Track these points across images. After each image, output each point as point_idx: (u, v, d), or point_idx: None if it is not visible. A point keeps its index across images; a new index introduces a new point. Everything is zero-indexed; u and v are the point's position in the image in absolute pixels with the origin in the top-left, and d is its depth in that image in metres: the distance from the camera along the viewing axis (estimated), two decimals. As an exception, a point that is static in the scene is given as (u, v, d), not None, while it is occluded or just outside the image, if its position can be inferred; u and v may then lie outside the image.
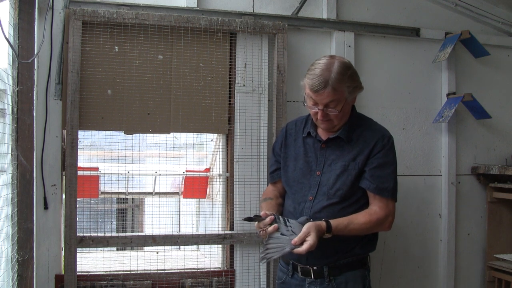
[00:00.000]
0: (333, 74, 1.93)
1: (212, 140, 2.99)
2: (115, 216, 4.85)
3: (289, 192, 2.16)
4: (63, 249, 2.51)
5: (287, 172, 2.16)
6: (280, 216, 1.98)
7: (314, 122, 2.10)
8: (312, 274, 2.05)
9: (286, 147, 2.20)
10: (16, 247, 2.24)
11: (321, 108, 1.97)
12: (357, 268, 2.07)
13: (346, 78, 1.97)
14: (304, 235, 1.86)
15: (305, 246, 1.84)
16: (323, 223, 1.92)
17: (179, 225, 3.54)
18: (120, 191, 3.05)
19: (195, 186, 2.98)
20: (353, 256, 2.06)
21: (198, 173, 2.98)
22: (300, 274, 2.08)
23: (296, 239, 1.86)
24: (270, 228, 1.93)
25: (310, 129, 2.13)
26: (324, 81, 1.92)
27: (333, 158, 2.07)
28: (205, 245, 3.04)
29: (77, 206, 2.49)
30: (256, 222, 1.98)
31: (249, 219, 2.02)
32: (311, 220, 1.95)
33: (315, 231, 1.87)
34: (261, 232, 1.96)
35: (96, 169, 2.73)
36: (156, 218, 2.77)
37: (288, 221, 1.95)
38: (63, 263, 2.54)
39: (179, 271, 2.72)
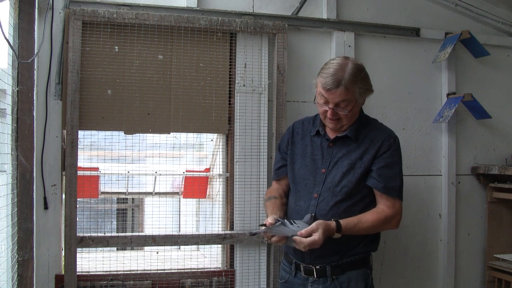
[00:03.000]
0: (346, 75, 1.98)
1: (212, 140, 2.99)
2: (115, 216, 4.85)
3: (294, 190, 2.17)
4: (63, 249, 2.51)
5: (294, 169, 2.18)
6: (285, 220, 1.99)
7: (322, 121, 2.13)
8: (315, 273, 2.06)
9: (293, 145, 2.23)
10: (16, 247, 2.24)
11: (331, 107, 2.01)
12: (359, 267, 2.08)
13: (359, 80, 2.02)
14: (311, 230, 1.88)
15: (309, 239, 1.86)
16: (332, 223, 1.94)
17: (179, 225, 3.53)
18: (120, 191, 3.05)
19: (195, 186, 2.97)
20: (356, 255, 2.06)
21: (198, 173, 2.98)
22: (303, 273, 2.09)
23: (303, 232, 1.88)
24: (276, 224, 1.96)
25: (319, 127, 2.16)
26: (337, 80, 1.97)
27: (340, 156, 2.09)
28: (205, 245, 3.04)
29: (77, 206, 2.49)
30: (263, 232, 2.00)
31: (255, 234, 2.06)
32: (315, 216, 1.97)
33: (323, 230, 1.89)
34: (268, 240, 1.99)
35: (96, 169, 2.73)
36: (156, 218, 2.77)
37: (295, 222, 1.97)
38: (63, 263, 2.54)
39: (179, 271, 2.72)
